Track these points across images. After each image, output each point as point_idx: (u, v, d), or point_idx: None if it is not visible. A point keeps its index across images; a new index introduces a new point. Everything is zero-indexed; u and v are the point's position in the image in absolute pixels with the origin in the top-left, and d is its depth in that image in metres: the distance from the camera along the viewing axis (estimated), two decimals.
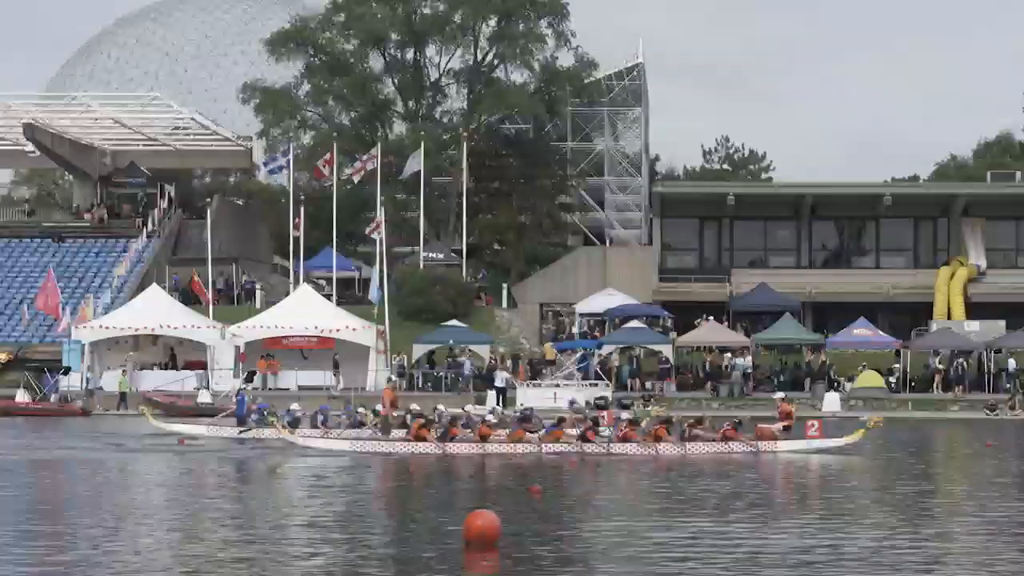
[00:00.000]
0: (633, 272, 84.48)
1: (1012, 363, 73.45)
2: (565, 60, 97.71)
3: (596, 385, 67.42)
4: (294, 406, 50.35)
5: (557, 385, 66.99)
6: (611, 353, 73.31)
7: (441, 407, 50.18)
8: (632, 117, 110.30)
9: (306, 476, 36.30)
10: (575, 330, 79.36)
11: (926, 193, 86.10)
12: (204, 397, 66.65)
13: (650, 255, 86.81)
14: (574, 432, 44.37)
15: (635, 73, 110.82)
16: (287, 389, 71.94)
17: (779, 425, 46.48)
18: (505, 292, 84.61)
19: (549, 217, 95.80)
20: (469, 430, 44.97)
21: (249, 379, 70.29)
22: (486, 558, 20.49)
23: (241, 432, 48.61)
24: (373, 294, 76.18)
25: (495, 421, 46.44)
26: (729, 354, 72.71)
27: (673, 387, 72.02)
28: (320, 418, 49.07)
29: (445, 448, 43.21)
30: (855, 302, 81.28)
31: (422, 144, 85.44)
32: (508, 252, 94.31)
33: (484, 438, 43.73)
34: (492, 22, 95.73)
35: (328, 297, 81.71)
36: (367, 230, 79.85)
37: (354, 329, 73.66)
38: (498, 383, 66.51)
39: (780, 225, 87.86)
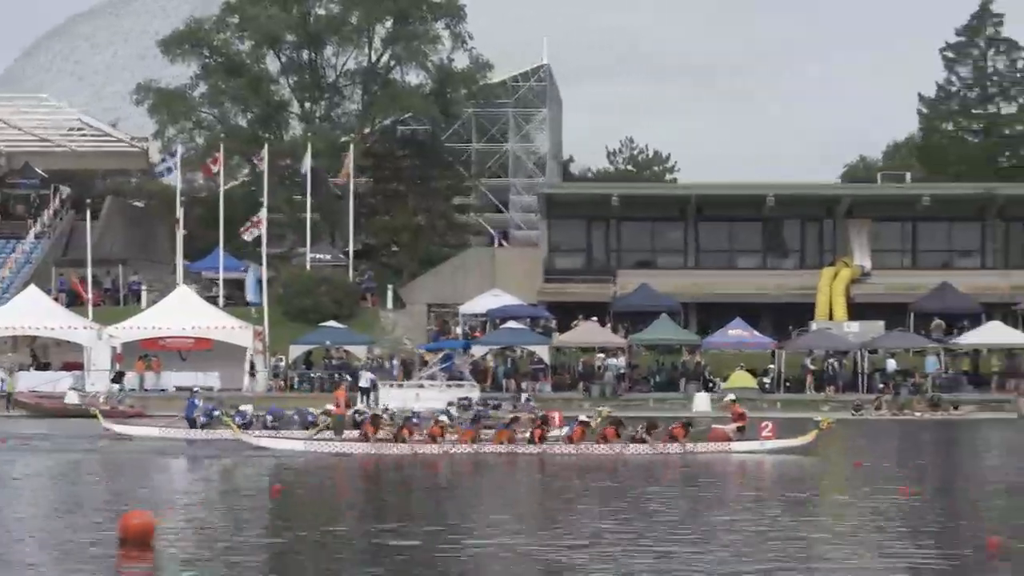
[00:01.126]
0: (521, 273, 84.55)
1: (891, 363, 73.77)
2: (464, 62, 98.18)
3: (462, 386, 67.37)
4: (245, 407, 50.72)
5: (421, 386, 66.93)
6: (485, 354, 73.49)
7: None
8: (539, 118, 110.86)
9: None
10: (459, 331, 79.34)
11: (810, 194, 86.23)
12: (72, 398, 66.30)
13: (539, 256, 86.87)
14: (526, 434, 44.86)
15: (540, 74, 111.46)
16: (164, 390, 71.86)
17: (733, 426, 46.63)
18: (391, 293, 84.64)
19: (444, 218, 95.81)
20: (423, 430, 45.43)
21: (117, 380, 70.09)
22: (140, 556, 20.51)
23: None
24: (250, 296, 76.14)
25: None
26: (602, 355, 72.85)
27: (548, 387, 72.17)
28: (270, 419, 49.40)
29: (413, 448, 43.55)
30: (741, 303, 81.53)
31: (309, 146, 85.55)
32: (403, 253, 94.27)
33: (434, 438, 44.18)
34: (389, 24, 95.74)
35: (215, 298, 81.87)
36: (242, 231, 79.21)
37: (231, 329, 73.47)
38: (363, 383, 66.42)
39: (668, 226, 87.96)
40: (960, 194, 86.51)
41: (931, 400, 68.42)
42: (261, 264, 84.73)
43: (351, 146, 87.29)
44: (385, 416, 47.44)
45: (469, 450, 43.39)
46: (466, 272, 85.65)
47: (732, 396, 54.91)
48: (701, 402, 67.96)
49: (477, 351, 73.95)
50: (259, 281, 79.21)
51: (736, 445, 44.66)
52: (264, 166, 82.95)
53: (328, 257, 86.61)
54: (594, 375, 72.35)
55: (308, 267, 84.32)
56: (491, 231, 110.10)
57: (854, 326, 77.27)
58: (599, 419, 46.66)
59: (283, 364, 74.29)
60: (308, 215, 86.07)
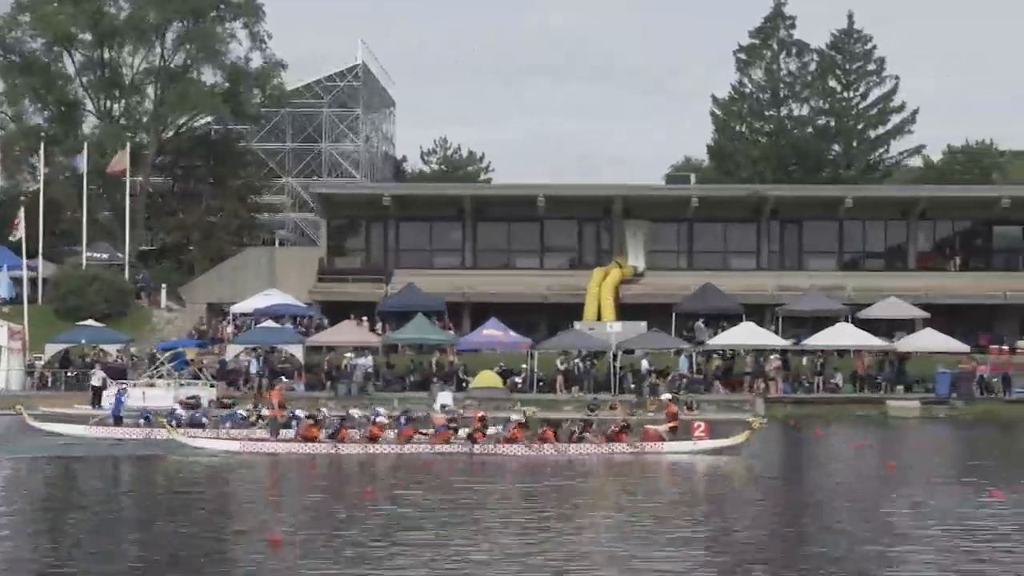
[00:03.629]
0: (301, 272, 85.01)
1: (644, 364, 74.37)
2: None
3: (194, 384, 67.47)
4: (177, 408, 51.88)
5: (151, 384, 66.96)
6: (239, 353, 73.78)
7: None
8: (352, 117, 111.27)
9: None
10: (229, 330, 79.54)
11: (582, 195, 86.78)
12: None
13: (317, 256, 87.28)
14: (463, 433, 46.11)
15: (356, 74, 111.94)
16: None
17: (666, 426, 47.51)
18: (164, 292, 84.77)
19: (237, 217, 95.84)
20: (358, 431, 46.64)
21: None
22: None
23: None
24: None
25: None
26: (350, 354, 73.22)
27: (301, 386, 72.45)
28: (201, 418, 50.61)
29: (338, 448, 45.02)
30: (517, 303, 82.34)
31: (86, 145, 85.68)
32: (196, 251, 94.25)
33: (374, 438, 45.37)
34: (186, 22, 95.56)
35: None
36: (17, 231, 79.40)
37: None
38: (94, 382, 66.38)
39: (447, 227, 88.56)
40: (729, 196, 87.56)
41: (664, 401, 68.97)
42: (52, 262, 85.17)
43: (127, 144, 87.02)
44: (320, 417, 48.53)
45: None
46: (246, 271, 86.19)
47: (668, 396, 55.63)
48: (444, 400, 68.23)
49: (231, 350, 74.30)
50: (12, 280, 79.18)
51: (668, 445, 45.78)
52: (41, 164, 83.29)
53: (106, 256, 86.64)
54: (342, 374, 72.64)
55: (84, 266, 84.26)
56: (305, 232, 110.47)
57: (616, 326, 77.82)
58: (525, 419, 47.98)
59: (39, 363, 74.17)
60: (84, 214, 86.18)
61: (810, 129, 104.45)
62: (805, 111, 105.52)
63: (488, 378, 71.86)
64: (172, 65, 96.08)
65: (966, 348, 74.52)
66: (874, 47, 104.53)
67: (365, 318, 78.77)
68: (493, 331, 74.96)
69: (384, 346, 75.23)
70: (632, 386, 72.71)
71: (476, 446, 45.06)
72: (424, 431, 47.04)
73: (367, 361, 72.85)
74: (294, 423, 48.37)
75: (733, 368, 75.53)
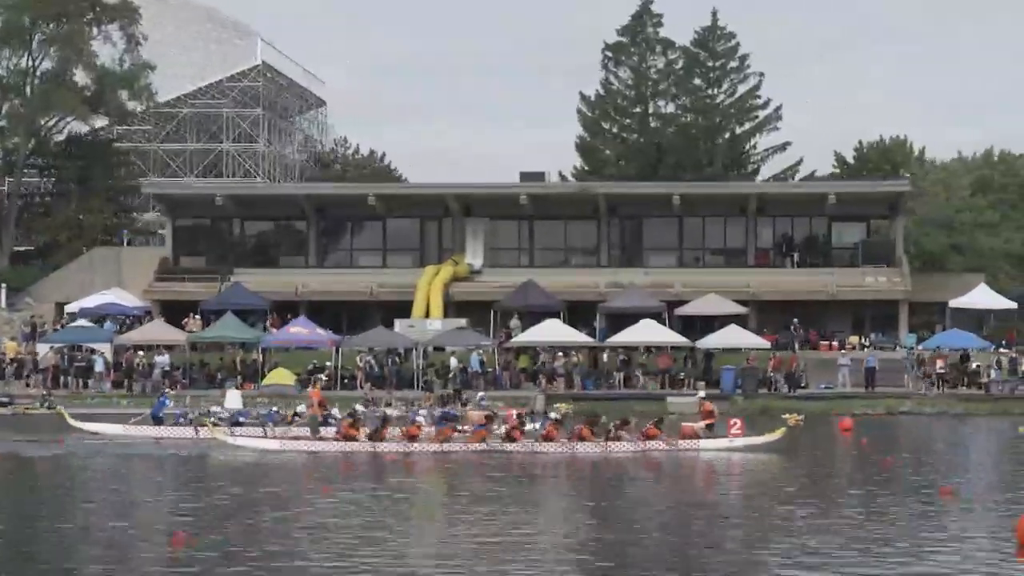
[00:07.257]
0: (146, 272, 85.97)
1: (454, 361, 74.97)
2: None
3: None
4: (214, 408, 54.56)
5: None
6: (46, 352, 75.09)
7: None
8: (252, 117, 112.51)
9: None
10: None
11: (417, 194, 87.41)
12: None
13: (162, 255, 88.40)
14: (500, 431, 47.68)
15: (254, 75, 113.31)
16: None
17: (702, 424, 49.02)
18: (4, 291, 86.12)
19: (104, 216, 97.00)
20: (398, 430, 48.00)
21: None
22: None
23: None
24: None
25: None
26: (140, 352, 74.32)
27: (108, 385, 73.59)
28: (241, 418, 52.47)
29: (375, 447, 46.47)
30: (355, 301, 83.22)
31: None
32: (63, 252, 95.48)
33: (412, 438, 46.82)
34: (57, 25, 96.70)
35: None
36: None
37: None
38: None
39: (291, 225, 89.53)
40: (559, 193, 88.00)
41: (441, 397, 69.69)
42: None
43: None
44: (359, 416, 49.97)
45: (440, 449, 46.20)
46: (93, 271, 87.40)
47: (702, 394, 56.90)
48: (232, 399, 68.94)
49: (41, 348, 75.67)
50: None
51: (705, 443, 47.10)
52: None
53: None
54: (142, 372, 73.77)
55: None
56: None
57: (436, 324, 78.65)
58: (561, 416, 50.55)
59: None
60: None
61: (673, 127, 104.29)
62: (671, 108, 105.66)
63: (280, 375, 72.61)
64: (47, 68, 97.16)
65: (766, 344, 75.17)
66: (737, 44, 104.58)
67: (198, 317, 79.90)
68: (299, 328, 75.85)
69: (191, 344, 76.21)
70: (425, 381, 73.50)
71: (514, 445, 46.44)
72: (462, 429, 48.70)
73: (164, 359, 74.01)
74: (332, 421, 50.07)
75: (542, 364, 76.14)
